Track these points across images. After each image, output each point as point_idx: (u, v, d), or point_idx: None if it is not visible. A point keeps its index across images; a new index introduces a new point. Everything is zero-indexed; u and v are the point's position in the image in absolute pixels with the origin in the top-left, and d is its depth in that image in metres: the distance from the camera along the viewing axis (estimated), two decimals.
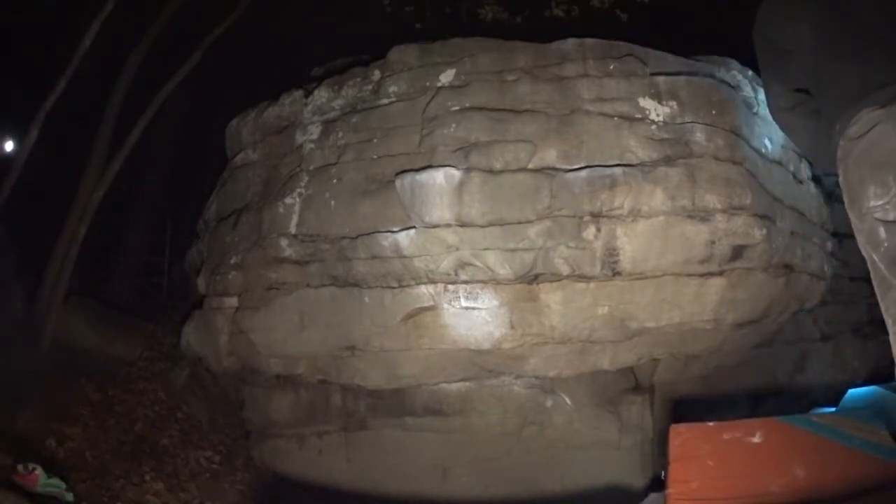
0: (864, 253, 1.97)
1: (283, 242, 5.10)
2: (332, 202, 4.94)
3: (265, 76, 7.02)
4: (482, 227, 4.58)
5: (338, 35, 6.77)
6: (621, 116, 4.75)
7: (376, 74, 5.24)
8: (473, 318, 4.70)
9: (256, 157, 5.72)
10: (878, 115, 1.86)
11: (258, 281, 5.27)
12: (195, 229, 6.49)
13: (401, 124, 4.95)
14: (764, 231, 4.62)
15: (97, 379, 5.65)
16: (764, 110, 4.93)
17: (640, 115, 4.75)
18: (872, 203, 1.86)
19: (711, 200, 4.55)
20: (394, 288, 4.81)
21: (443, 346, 4.86)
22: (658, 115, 4.75)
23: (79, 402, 5.29)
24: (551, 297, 4.60)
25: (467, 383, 5.31)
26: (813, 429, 3.88)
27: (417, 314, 4.78)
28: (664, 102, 4.77)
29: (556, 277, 4.60)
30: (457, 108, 4.83)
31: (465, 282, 4.67)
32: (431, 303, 4.73)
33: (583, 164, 4.63)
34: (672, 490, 3.70)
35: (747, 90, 5.21)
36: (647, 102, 4.77)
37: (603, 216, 4.54)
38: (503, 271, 4.59)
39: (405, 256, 4.68)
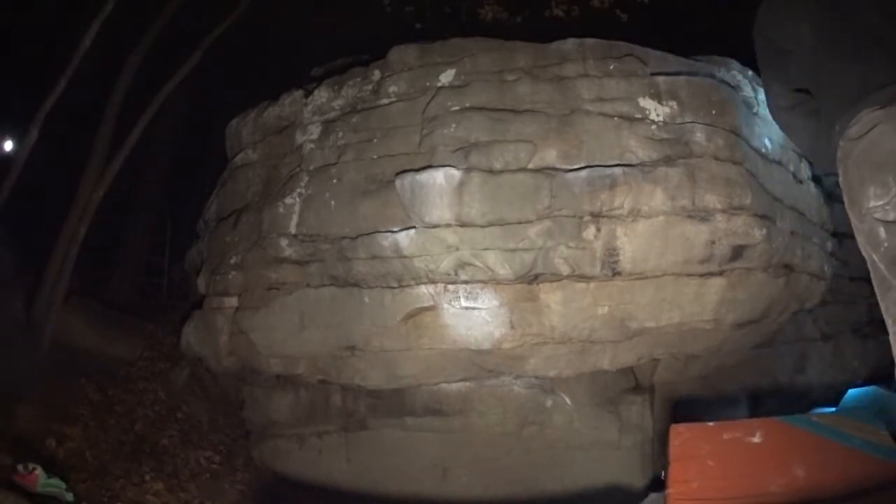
0: (864, 253, 1.97)
1: (283, 242, 5.10)
2: (332, 202, 4.94)
3: (265, 76, 7.02)
4: (482, 227, 4.58)
5: (338, 35, 6.77)
6: (621, 116, 4.75)
7: (376, 74, 5.24)
8: (473, 318, 4.70)
9: (256, 157, 5.72)
10: (878, 115, 1.86)
11: (258, 281, 5.28)
12: (195, 229, 6.49)
13: (401, 124, 4.95)
14: (764, 231, 4.62)
15: (97, 379, 5.65)
16: (764, 110, 4.93)
17: (640, 115, 4.75)
18: (872, 203, 1.86)
19: (711, 200, 4.55)
20: (394, 288, 4.81)
21: (443, 346, 4.86)
22: (658, 115, 4.75)
23: (79, 402, 5.29)
24: (551, 297, 4.60)
25: (467, 383, 5.31)
26: (813, 429, 3.89)
27: (417, 314, 4.78)
28: (664, 102, 4.77)
29: (556, 277, 4.60)
30: (457, 108, 4.83)
31: (465, 282, 4.67)
32: (431, 303, 4.73)
33: (583, 164, 4.63)
34: (672, 490, 3.71)
35: (747, 90, 5.21)
36: (647, 102, 4.77)
37: (603, 216, 4.54)
38: (503, 271, 4.59)
39: (405, 256, 4.68)
